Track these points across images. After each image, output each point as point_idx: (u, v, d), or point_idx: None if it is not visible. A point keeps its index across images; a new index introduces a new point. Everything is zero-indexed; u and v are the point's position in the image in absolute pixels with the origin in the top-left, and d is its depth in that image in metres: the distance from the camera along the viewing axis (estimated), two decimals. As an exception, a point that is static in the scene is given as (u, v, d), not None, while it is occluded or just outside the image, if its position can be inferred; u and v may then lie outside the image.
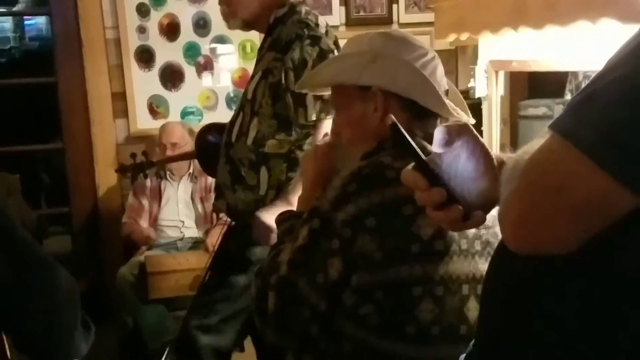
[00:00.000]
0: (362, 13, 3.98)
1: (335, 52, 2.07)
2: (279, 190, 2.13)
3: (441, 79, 1.41)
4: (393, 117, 0.92)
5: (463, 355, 1.02)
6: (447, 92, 1.43)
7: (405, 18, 4.00)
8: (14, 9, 6.27)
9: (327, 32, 2.13)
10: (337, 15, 3.92)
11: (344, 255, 1.26)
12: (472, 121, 1.44)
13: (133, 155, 2.71)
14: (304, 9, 2.17)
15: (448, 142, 0.92)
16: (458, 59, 4.01)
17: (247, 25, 2.26)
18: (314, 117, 2.06)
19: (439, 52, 3.91)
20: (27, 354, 1.36)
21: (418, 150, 0.90)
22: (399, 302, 1.27)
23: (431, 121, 1.38)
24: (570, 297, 0.80)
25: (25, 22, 6.88)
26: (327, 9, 3.89)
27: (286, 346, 1.40)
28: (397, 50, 1.37)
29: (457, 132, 0.93)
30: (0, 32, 7.06)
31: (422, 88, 1.33)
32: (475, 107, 2.93)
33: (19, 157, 4.07)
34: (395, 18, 4.01)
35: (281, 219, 1.57)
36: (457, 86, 3.74)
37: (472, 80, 2.89)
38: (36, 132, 4.24)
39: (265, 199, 2.14)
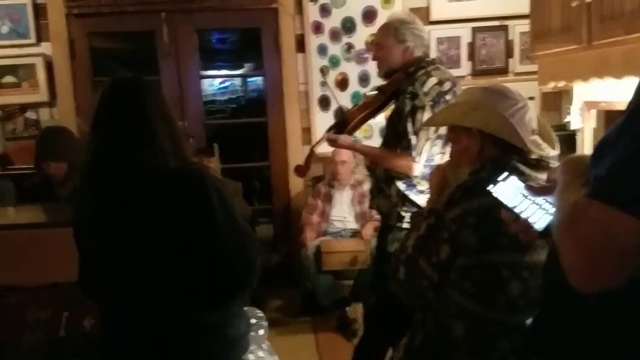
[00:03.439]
0: (484, 66, 3.87)
1: (427, 107, 2.04)
2: (404, 199, 2.12)
3: (529, 122, 1.38)
4: (491, 189, 0.95)
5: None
6: (533, 132, 1.40)
7: (519, 68, 3.83)
8: (242, 71, 6.82)
9: (429, 91, 2.07)
10: (464, 68, 3.85)
11: (451, 243, 1.28)
12: (554, 153, 1.41)
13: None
14: (423, 70, 2.13)
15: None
16: (562, 99, 3.78)
17: (387, 77, 2.27)
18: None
19: (547, 94, 3.77)
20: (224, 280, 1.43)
21: (505, 203, 0.94)
22: (490, 279, 1.28)
23: (521, 152, 1.37)
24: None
25: (248, 80, 7.36)
26: (457, 63, 3.84)
27: (413, 305, 1.44)
28: (492, 101, 1.37)
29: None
30: (232, 87, 7.61)
31: (507, 130, 1.33)
32: (572, 137, 2.80)
33: (242, 171, 4.22)
34: (511, 69, 3.85)
35: (411, 216, 1.63)
36: (561, 120, 3.56)
37: (567, 116, 2.76)
38: (253, 154, 4.47)
39: (397, 204, 2.14)
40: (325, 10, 3.77)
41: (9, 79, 3.54)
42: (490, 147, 1.36)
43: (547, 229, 0.88)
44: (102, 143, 1.39)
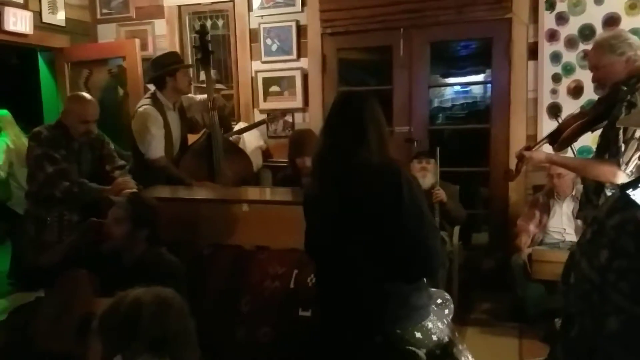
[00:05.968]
0: None
1: None
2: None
3: None
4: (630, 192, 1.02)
5: None
6: None
7: None
8: (468, 79, 6.90)
9: None
10: None
11: (610, 248, 1.38)
12: None
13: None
14: None
15: None
16: None
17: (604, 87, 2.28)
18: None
19: None
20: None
21: None
22: None
23: None
24: None
25: (487, 87, 7.36)
26: None
27: (579, 309, 1.55)
28: None
29: None
30: (473, 92, 7.74)
31: None
32: None
33: (461, 175, 4.13)
34: None
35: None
36: None
37: None
38: (475, 159, 4.45)
39: None
40: (561, 18, 3.76)
41: (274, 88, 4.45)
42: None
43: None
44: (328, 140, 1.84)
